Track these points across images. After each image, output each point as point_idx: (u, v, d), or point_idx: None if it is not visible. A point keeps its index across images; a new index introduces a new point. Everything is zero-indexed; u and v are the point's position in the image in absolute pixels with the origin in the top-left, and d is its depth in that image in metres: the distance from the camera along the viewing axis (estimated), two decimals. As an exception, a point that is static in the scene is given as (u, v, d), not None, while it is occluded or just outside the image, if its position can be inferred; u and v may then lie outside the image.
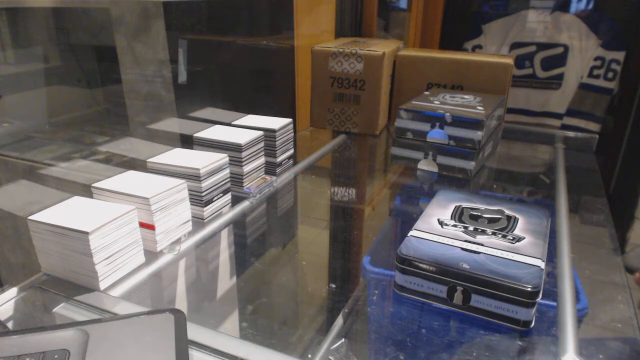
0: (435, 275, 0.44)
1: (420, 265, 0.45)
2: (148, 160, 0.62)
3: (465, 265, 0.43)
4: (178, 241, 0.57)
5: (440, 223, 0.51)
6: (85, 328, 0.39)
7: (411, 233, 0.49)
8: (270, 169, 0.76)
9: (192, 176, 0.60)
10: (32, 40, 0.80)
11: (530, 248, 0.47)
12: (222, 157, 0.63)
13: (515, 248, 0.46)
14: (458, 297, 0.44)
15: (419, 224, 0.51)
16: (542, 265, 0.44)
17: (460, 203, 0.56)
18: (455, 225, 0.50)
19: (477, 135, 0.80)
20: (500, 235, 0.49)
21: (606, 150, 1.59)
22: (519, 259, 0.45)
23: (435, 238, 0.48)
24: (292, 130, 0.78)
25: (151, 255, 0.54)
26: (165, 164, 0.61)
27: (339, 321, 0.48)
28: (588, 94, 1.63)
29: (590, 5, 1.63)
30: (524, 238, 0.48)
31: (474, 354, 0.42)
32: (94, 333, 0.38)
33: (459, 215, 0.53)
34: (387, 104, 1.04)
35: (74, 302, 0.46)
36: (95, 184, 0.55)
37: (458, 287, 0.44)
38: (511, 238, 0.48)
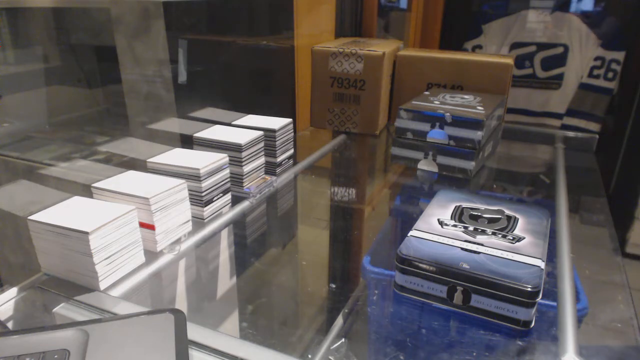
0: (435, 275, 0.44)
1: (420, 265, 0.45)
2: (148, 160, 0.62)
3: (465, 265, 0.43)
4: (178, 241, 0.57)
5: (440, 223, 0.51)
6: (85, 328, 0.39)
7: (411, 233, 0.49)
8: (270, 169, 0.76)
9: (192, 176, 0.60)
10: (32, 40, 0.80)
11: (530, 248, 0.47)
12: (222, 157, 0.63)
13: (515, 248, 0.46)
14: (458, 297, 0.44)
15: (419, 224, 0.51)
16: (542, 265, 0.44)
17: (460, 203, 0.56)
18: (455, 225, 0.50)
19: (477, 135, 0.80)
20: (500, 235, 0.49)
21: (606, 150, 1.59)
22: (519, 259, 0.45)
23: (435, 238, 0.48)
24: (292, 130, 0.78)
25: (151, 255, 0.54)
26: (165, 164, 0.61)
27: (339, 321, 0.48)
28: (588, 94, 1.63)
29: (590, 5, 1.63)
30: (524, 238, 0.48)
31: (474, 354, 0.42)
32: (94, 333, 0.38)
33: (459, 215, 0.53)
34: (387, 104, 1.04)
35: (74, 302, 0.46)
36: (95, 184, 0.55)
37: (458, 287, 0.44)
38: (511, 238, 0.48)
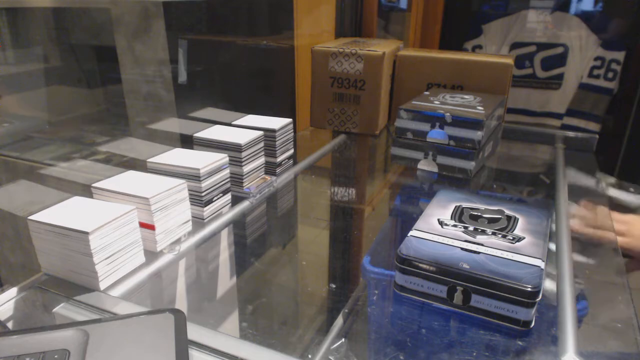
0: (435, 275, 0.44)
1: (420, 265, 0.45)
2: (148, 160, 0.62)
3: (465, 265, 0.43)
4: (178, 241, 0.57)
5: (440, 223, 0.51)
6: (85, 328, 0.39)
7: (411, 233, 0.49)
8: (270, 169, 0.76)
9: (192, 176, 0.60)
10: (32, 40, 0.80)
11: (530, 248, 0.47)
12: (222, 157, 0.63)
13: (515, 248, 0.46)
14: (458, 297, 0.44)
15: (419, 224, 0.51)
16: (542, 265, 0.44)
17: (460, 203, 0.56)
18: (455, 225, 0.50)
19: (477, 135, 0.80)
20: (500, 235, 0.49)
21: (606, 150, 1.59)
22: (519, 259, 0.45)
23: (435, 238, 0.48)
24: (292, 130, 0.78)
25: (151, 255, 0.54)
26: (165, 164, 0.61)
27: (339, 321, 0.48)
28: (588, 94, 1.63)
29: (591, 5, 1.63)
30: (524, 238, 0.48)
31: (474, 354, 0.42)
32: (94, 333, 0.38)
33: (459, 215, 0.53)
34: (387, 104, 1.04)
35: (74, 302, 0.46)
36: (95, 184, 0.55)
37: (458, 287, 0.44)
38: (511, 238, 0.48)
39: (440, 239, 0.48)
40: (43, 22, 0.81)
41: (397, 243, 0.48)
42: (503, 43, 1.72)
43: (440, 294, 0.45)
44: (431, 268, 0.44)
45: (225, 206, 0.66)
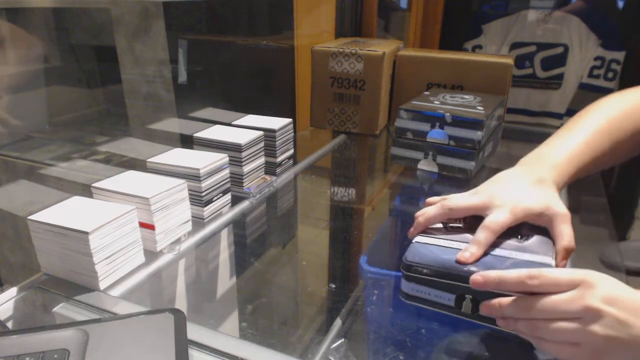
0: (443, 281, 0.42)
1: (427, 272, 0.43)
2: (148, 160, 0.62)
3: (473, 269, 0.42)
4: (178, 241, 0.57)
5: (445, 226, 0.50)
6: (85, 328, 0.39)
7: (416, 239, 0.47)
8: (270, 169, 0.76)
9: (192, 176, 0.60)
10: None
11: (540, 246, 0.44)
12: (222, 157, 0.63)
13: (524, 247, 0.45)
14: (467, 306, 0.42)
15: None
16: (553, 263, 0.42)
17: None
18: (460, 227, 0.49)
19: (477, 135, 0.80)
20: (507, 234, 0.47)
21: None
22: (529, 259, 0.42)
23: (441, 242, 0.46)
24: (292, 130, 0.78)
25: (151, 255, 0.54)
26: (165, 164, 0.61)
27: (339, 321, 0.48)
28: (588, 94, 1.63)
29: (591, 5, 1.63)
30: (532, 236, 0.46)
31: (474, 354, 0.42)
32: (94, 333, 0.38)
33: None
34: (387, 104, 1.04)
35: (74, 302, 0.46)
36: (95, 184, 0.55)
37: (467, 295, 0.42)
38: (519, 237, 0.46)
39: (446, 243, 0.46)
40: (43, 22, 0.81)
41: (396, 243, 0.48)
42: (503, 43, 1.72)
43: (448, 302, 0.43)
44: (438, 275, 0.42)
45: (225, 206, 0.66)
